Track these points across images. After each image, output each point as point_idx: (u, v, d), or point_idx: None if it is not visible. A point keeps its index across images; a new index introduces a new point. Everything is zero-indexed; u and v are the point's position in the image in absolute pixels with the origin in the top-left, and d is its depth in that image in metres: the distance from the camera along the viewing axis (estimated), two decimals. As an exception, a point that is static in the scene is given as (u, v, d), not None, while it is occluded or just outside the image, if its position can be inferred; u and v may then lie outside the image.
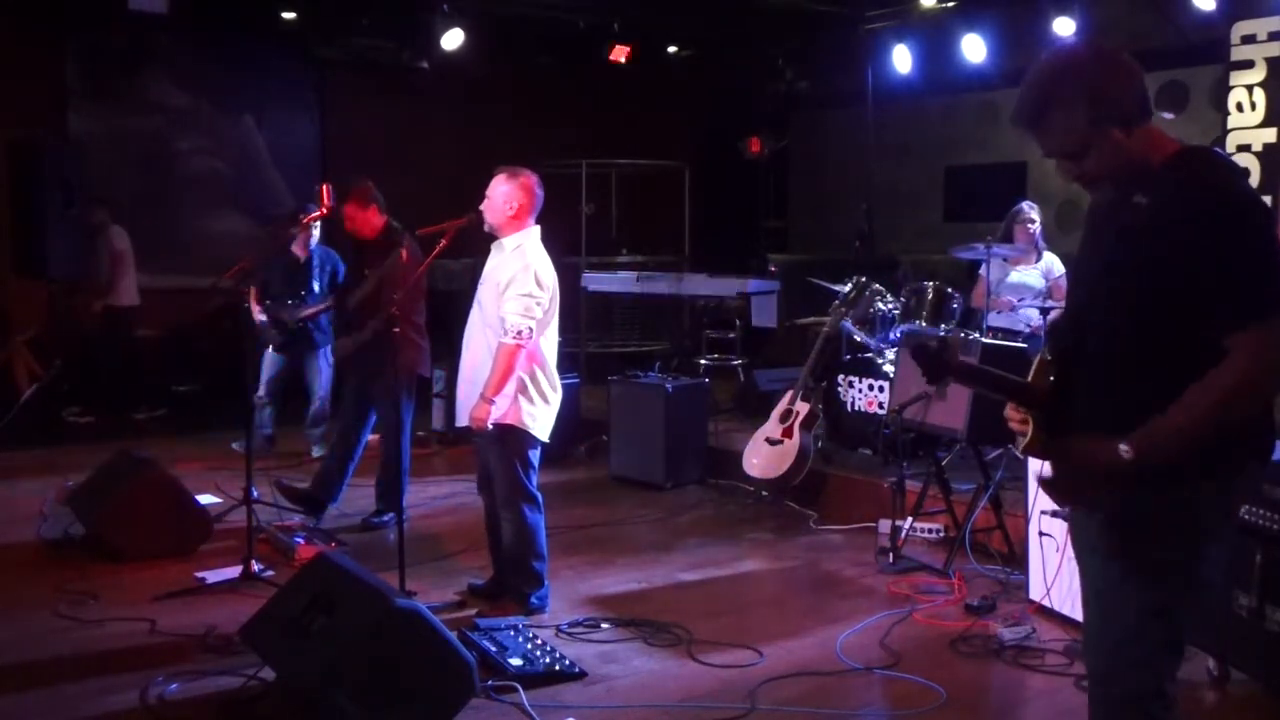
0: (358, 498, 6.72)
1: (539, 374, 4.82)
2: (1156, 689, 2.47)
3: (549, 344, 4.87)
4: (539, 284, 4.72)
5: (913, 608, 5.07)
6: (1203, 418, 2.28)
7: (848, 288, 7.15)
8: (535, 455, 4.94)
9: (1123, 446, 2.31)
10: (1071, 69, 2.45)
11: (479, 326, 4.86)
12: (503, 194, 4.81)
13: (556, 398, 4.92)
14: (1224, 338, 2.27)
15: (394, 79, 10.75)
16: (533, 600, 4.97)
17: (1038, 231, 7.32)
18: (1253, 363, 2.25)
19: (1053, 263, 7.37)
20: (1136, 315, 2.38)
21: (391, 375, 5.79)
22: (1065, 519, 4.69)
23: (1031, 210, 7.36)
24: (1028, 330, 7.07)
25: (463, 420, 4.90)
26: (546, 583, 5.04)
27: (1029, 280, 7.28)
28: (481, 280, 4.89)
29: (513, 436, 4.82)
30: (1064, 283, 7.32)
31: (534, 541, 4.96)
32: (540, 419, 4.86)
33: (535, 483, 4.97)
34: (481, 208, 4.86)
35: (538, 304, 4.71)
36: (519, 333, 4.65)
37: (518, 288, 4.68)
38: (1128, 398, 2.39)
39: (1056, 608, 4.83)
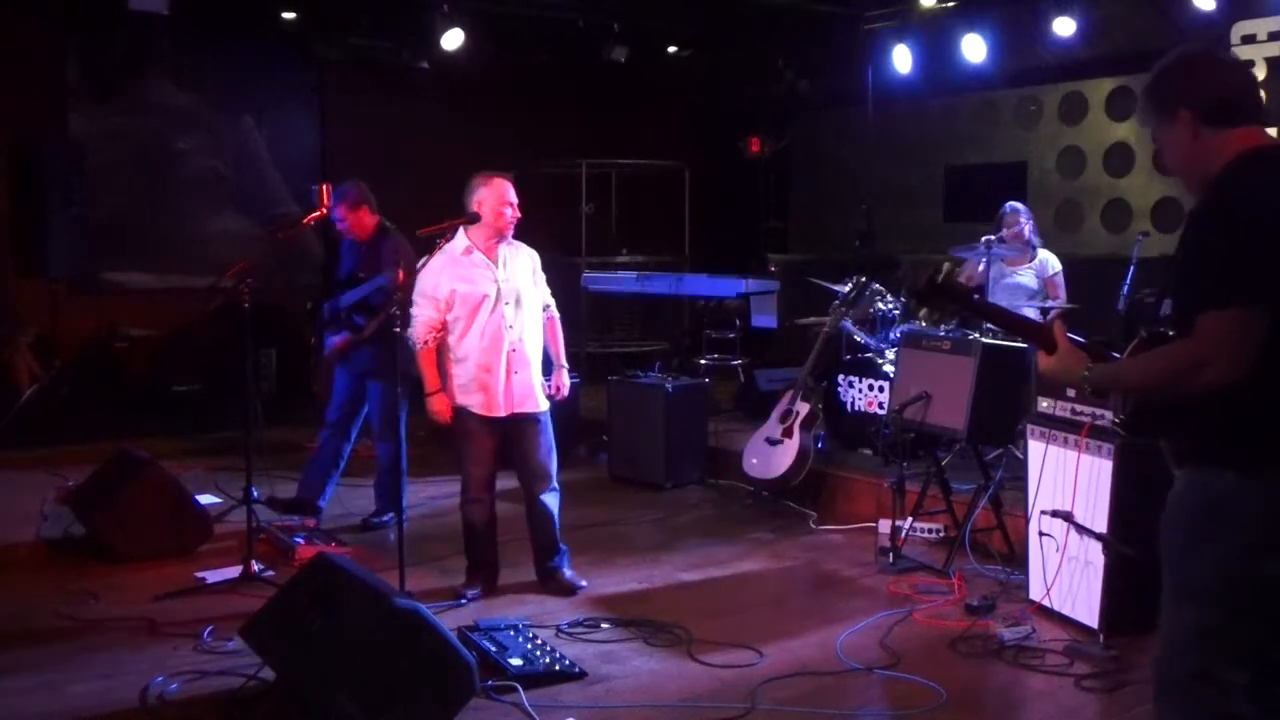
0: (358, 498, 6.73)
1: None
2: (1222, 709, 2.49)
3: None
4: None
5: (913, 608, 5.07)
6: (1150, 374, 2.56)
7: (848, 288, 7.14)
8: None
9: (1085, 371, 2.67)
10: (1153, 74, 2.68)
11: (528, 319, 5.16)
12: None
13: None
14: (1194, 318, 2.43)
15: (394, 79, 10.75)
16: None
17: (1025, 231, 7.29)
18: (1202, 343, 2.41)
19: (1048, 260, 7.35)
20: (1177, 311, 2.55)
21: (389, 376, 5.81)
22: (1066, 519, 4.70)
23: (1014, 213, 7.32)
24: None
25: (529, 406, 5.14)
26: None
27: (1022, 280, 7.26)
28: (505, 279, 5.10)
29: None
30: (1060, 280, 7.29)
31: None
32: None
33: None
34: (516, 214, 5.13)
35: None
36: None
37: (541, 274, 5.30)
38: None
39: (1056, 608, 4.83)
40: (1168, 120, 2.63)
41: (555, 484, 5.30)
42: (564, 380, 5.39)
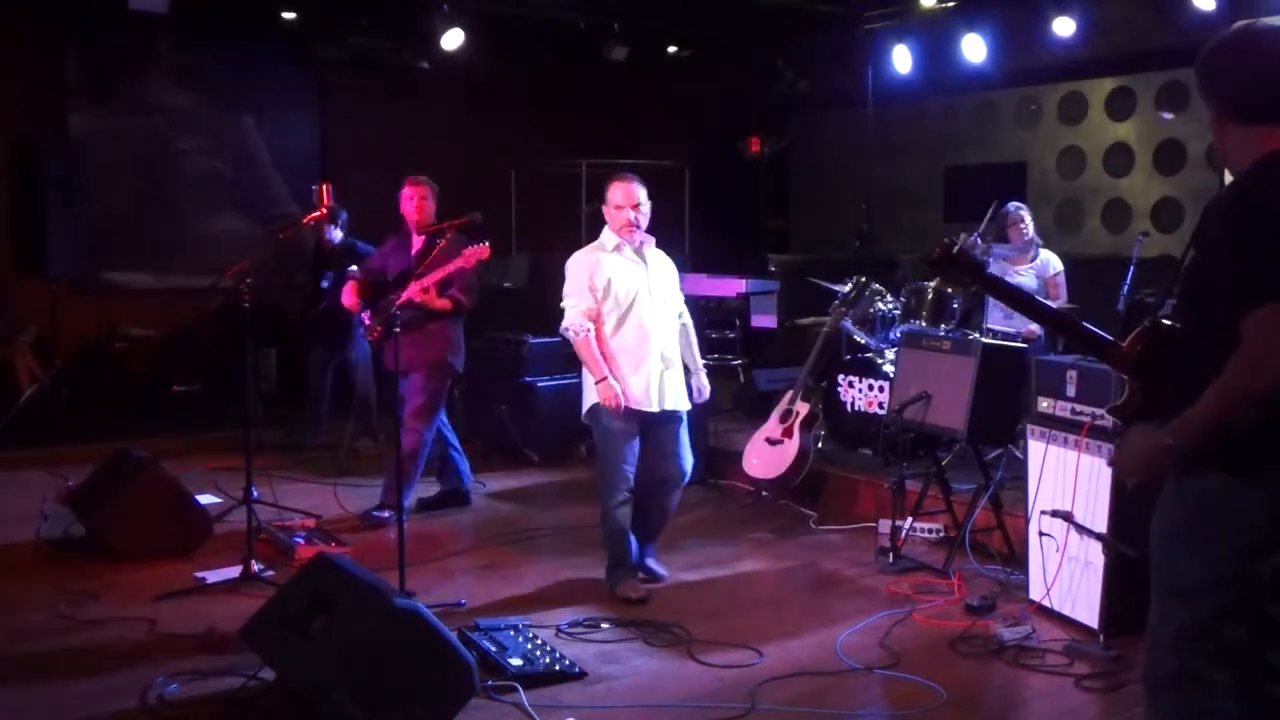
0: (360, 498, 6.74)
1: None
2: (1205, 708, 2.51)
3: None
4: None
5: (913, 608, 5.06)
6: (1228, 398, 2.39)
7: (848, 288, 7.13)
8: None
9: (1169, 441, 2.46)
10: (1208, 50, 2.61)
11: (670, 321, 5.34)
12: (647, 198, 5.26)
13: None
14: (1238, 323, 2.38)
15: (394, 79, 10.74)
16: None
17: (1029, 231, 7.28)
18: (1257, 342, 2.35)
19: (1049, 260, 7.34)
20: (1191, 306, 2.55)
21: (429, 367, 6.21)
22: (1066, 519, 4.70)
23: (1019, 210, 7.32)
24: (1020, 333, 6.97)
25: (679, 404, 5.31)
26: None
27: (1023, 280, 7.24)
28: (653, 279, 5.26)
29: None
30: (1062, 280, 7.28)
31: None
32: None
33: None
34: (637, 215, 5.18)
35: None
36: None
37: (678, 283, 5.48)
38: (1191, 376, 2.50)
39: (1056, 608, 4.83)
40: (1209, 100, 2.61)
41: (685, 483, 5.44)
42: (705, 383, 5.51)
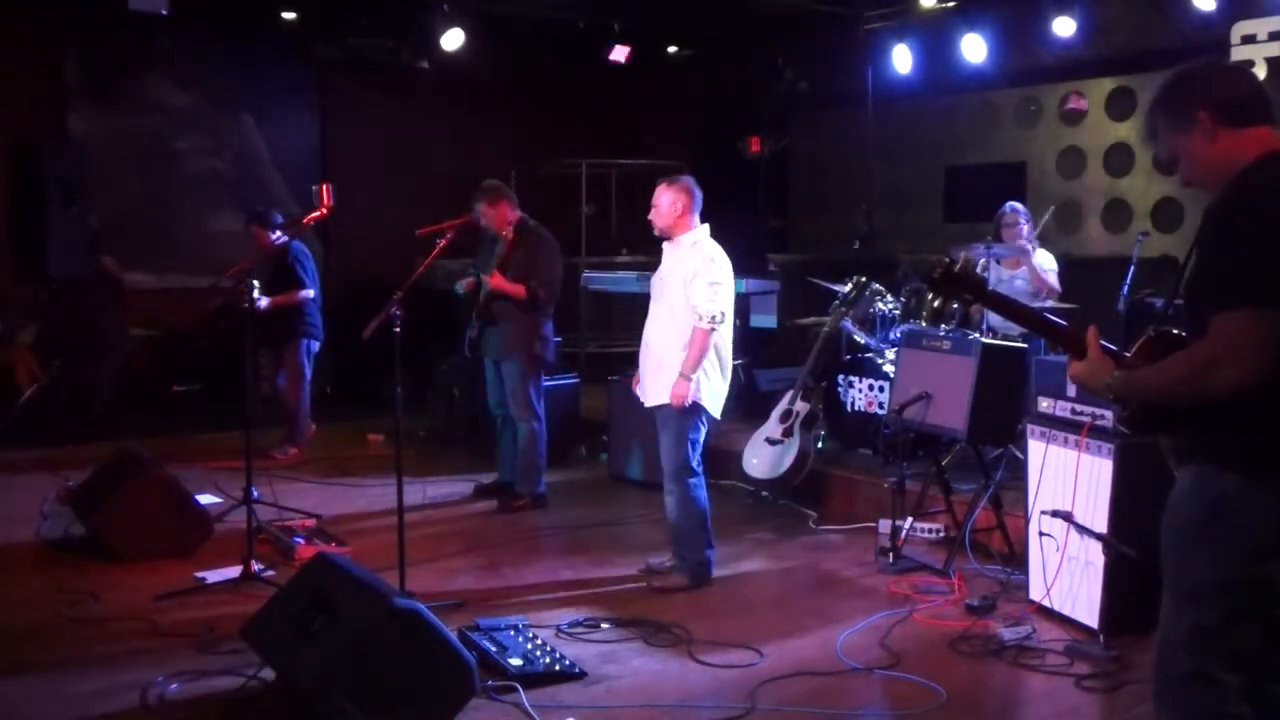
0: (358, 496, 6.74)
1: (714, 356, 5.35)
2: (1217, 709, 2.51)
3: (726, 329, 5.37)
4: (723, 274, 5.33)
5: (913, 608, 5.07)
6: (1170, 378, 2.54)
7: (848, 288, 7.14)
8: (703, 432, 5.40)
9: (1108, 379, 2.65)
10: (1163, 87, 2.70)
11: (665, 317, 5.38)
12: (668, 200, 5.38)
13: (727, 378, 5.49)
14: (1210, 319, 2.45)
15: (394, 79, 10.75)
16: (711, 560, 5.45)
17: (1024, 232, 7.26)
18: (1217, 344, 2.43)
19: (1043, 261, 7.33)
20: (1192, 310, 2.57)
21: (518, 357, 6.59)
22: (1066, 519, 4.70)
23: (1015, 213, 7.30)
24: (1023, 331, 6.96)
25: (650, 400, 5.41)
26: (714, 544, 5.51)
27: (1020, 283, 7.23)
28: (661, 277, 5.46)
29: (692, 411, 5.31)
30: (1052, 279, 7.24)
31: (698, 509, 5.37)
32: (713, 396, 5.38)
33: (700, 457, 5.42)
34: (650, 217, 5.43)
35: (722, 291, 5.30)
36: (712, 317, 5.23)
37: (705, 278, 5.24)
38: None
39: (1056, 608, 4.83)
40: (1185, 127, 2.62)
41: (673, 484, 5.35)
42: (681, 391, 5.21)
